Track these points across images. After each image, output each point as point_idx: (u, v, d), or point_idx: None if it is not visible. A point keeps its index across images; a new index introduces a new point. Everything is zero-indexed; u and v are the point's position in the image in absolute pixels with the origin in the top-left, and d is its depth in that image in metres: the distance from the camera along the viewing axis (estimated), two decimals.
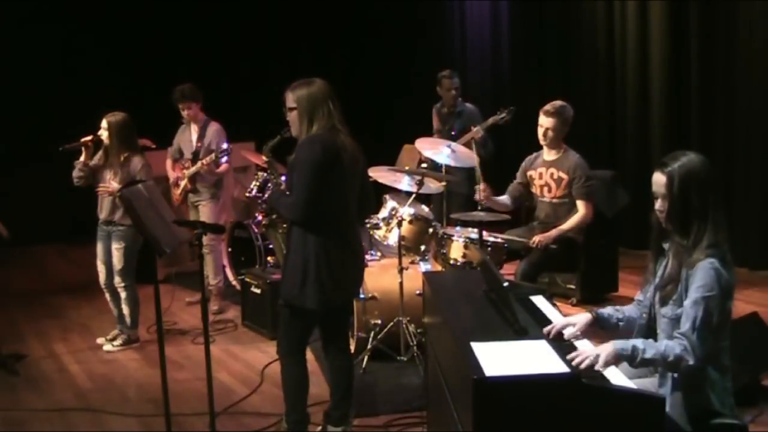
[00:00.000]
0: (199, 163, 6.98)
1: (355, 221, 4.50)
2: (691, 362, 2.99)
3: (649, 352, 3.02)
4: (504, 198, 6.16)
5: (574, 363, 2.94)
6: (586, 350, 3.04)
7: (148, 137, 6.95)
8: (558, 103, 5.94)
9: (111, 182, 6.12)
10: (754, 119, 7.77)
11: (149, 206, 4.43)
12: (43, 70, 10.23)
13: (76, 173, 6.24)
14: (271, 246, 7.19)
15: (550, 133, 5.92)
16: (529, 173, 6.13)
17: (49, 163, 7.03)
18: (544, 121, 5.92)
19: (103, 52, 10.43)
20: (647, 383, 3.19)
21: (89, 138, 6.19)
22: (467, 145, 6.76)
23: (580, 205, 5.88)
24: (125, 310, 6.40)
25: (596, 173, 6.36)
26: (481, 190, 5.85)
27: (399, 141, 8.70)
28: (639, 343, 3.05)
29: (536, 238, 5.77)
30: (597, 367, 2.96)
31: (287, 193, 4.26)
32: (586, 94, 9.33)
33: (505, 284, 3.29)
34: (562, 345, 3.14)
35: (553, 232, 5.81)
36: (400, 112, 10.34)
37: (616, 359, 3.02)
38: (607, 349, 3.02)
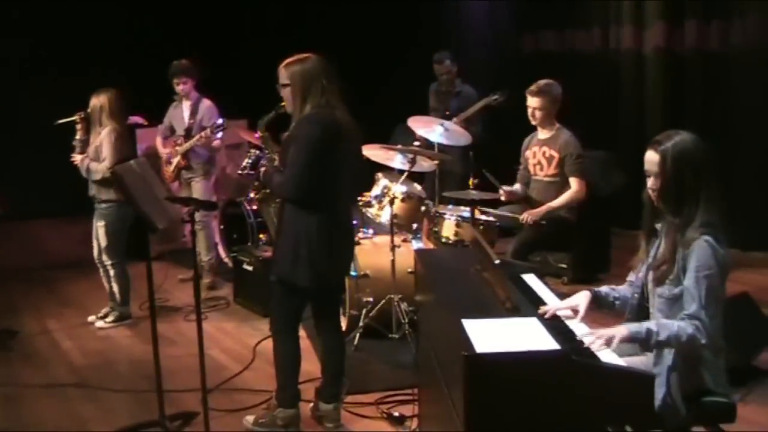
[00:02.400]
0: (193, 139, 6.96)
1: (349, 200, 4.50)
2: (703, 341, 3.01)
3: (663, 334, 3.03)
4: (517, 187, 6.18)
5: (587, 344, 2.96)
6: (601, 331, 3.05)
7: (140, 114, 6.93)
8: (543, 81, 5.94)
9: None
10: (749, 100, 7.78)
11: (141, 183, 4.43)
12: (39, 45, 10.18)
13: (76, 150, 6.28)
14: (260, 220, 7.18)
15: (537, 113, 5.93)
16: (525, 154, 6.15)
17: (47, 138, 6.99)
18: (531, 102, 5.93)
19: (98, 27, 10.35)
20: (637, 361, 3.20)
21: (78, 115, 6.21)
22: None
23: (572, 181, 5.90)
24: (114, 287, 6.42)
25: (592, 153, 6.36)
26: (503, 193, 5.99)
27: (393, 119, 8.68)
28: (653, 325, 3.06)
29: (525, 215, 5.79)
30: (610, 349, 2.97)
31: (281, 170, 4.26)
32: (582, 75, 9.31)
33: (497, 262, 3.30)
34: (553, 323, 3.14)
35: (543, 209, 5.83)
36: (396, 91, 10.30)
37: (630, 342, 3.05)
38: (621, 331, 3.03)
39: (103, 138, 6.05)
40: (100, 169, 6.01)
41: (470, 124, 7.37)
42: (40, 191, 9.99)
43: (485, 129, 7.77)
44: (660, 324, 3.08)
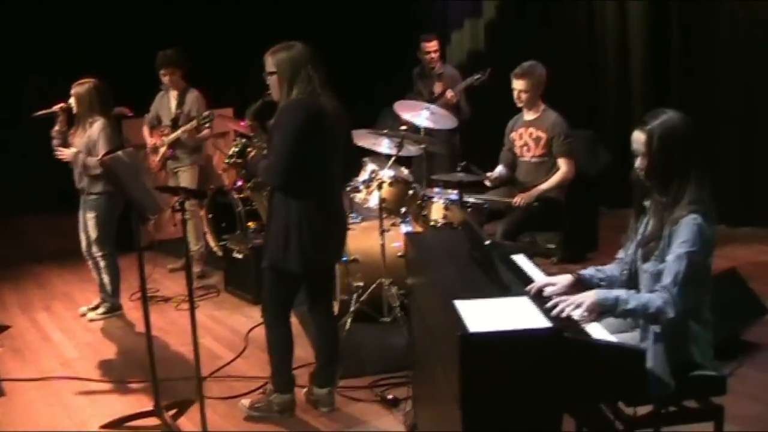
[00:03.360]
0: (180, 130, 6.95)
1: (338, 185, 4.52)
2: (671, 315, 3.04)
3: (632, 303, 3.07)
4: (500, 169, 6.21)
5: (555, 311, 3.02)
6: (568, 298, 3.10)
7: (126, 105, 6.91)
8: (526, 63, 5.96)
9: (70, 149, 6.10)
10: (733, 77, 7.82)
11: (131, 173, 4.42)
12: (21, 38, 10.10)
13: (54, 142, 6.18)
14: (248, 208, 7.16)
15: (523, 95, 5.95)
16: (510, 136, 6.17)
17: (30, 132, 6.94)
18: (516, 84, 5.94)
19: (82, 18, 10.27)
20: (628, 338, 3.24)
21: (59, 106, 6.11)
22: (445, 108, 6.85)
23: (561, 162, 5.92)
24: (105, 278, 6.40)
25: (577, 132, 6.38)
26: (488, 179, 6.06)
27: (377, 104, 8.68)
28: (622, 293, 3.11)
29: (517, 198, 5.81)
30: (578, 314, 3.02)
31: (267, 157, 4.27)
32: (566, 55, 9.34)
33: (487, 243, 3.32)
34: (545, 301, 3.17)
35: (534, 191, 5.86)
36: (378, 75, 10.30)
37: (597, 307, 3.08)
38: (590, 297, 3.08)
39: (98, 133, 5.99)
40: (97, 163, 5.94)
41: (456, 108, 7.43)
42: (21, 186, 9.91)
43: (471, 107, 7.82)
44: (630, 293, 3.13)
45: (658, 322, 3.11)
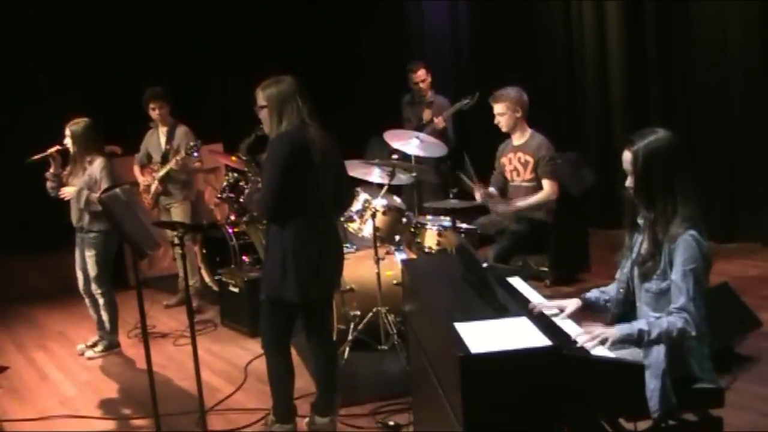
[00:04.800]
0: (170, 163, 7.00)
1: (332, 213, 4.57)
2: (693, 333, 3.11)
3: (654, 332, 3.12)
4: (492, 191, 6.26)
5: (581, 341, 3.07)
6: (595, 332, 3.15)
7: (115, 144, 6.96)
8: (504, 88, 6.05)
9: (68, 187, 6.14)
10: (711, 94, 7.92)
11: (128, 209, 4.47)
12: (7, 79, 10.11)
13: (49, 184, 6.22)
14: (242, 242, 7.20)
15: (501, 119, 6.05)
16: (501, 160, 6.25)
17: (13, 174, 6.94)
18: (495, 108, 6.05)
19: (69, 60, 10.30)
20: (626, 353, 3.29)
21: (55, 149, 6.15)
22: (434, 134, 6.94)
23: (545, 183, 6.00)
24: (104, 315, 6.41)
25: (561, 154, 6.47)
26: (479, 192, 6.08)
27: (364, 134, 8.76)
28: (643, 325, 3.16)
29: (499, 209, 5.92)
30: (605, 348, 3.08)
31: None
32: (546, 78, 9.46)
33: (485, 265, 3.38)
34: (543, 320, 3.23)
35: (511, 208, 5.95)
36: (365, 104, 10.39)
37: (622, 343, 3.15)
38: (614, 334, 3.14)
39: (99, 170, 6.04)
40: None
41: (443, 134, 7.52)
42: (10, 226, 9.88)
43: (456, 134, 7.89)
44: (650, 323, 3.17)
45: (682, 342, 3.17)
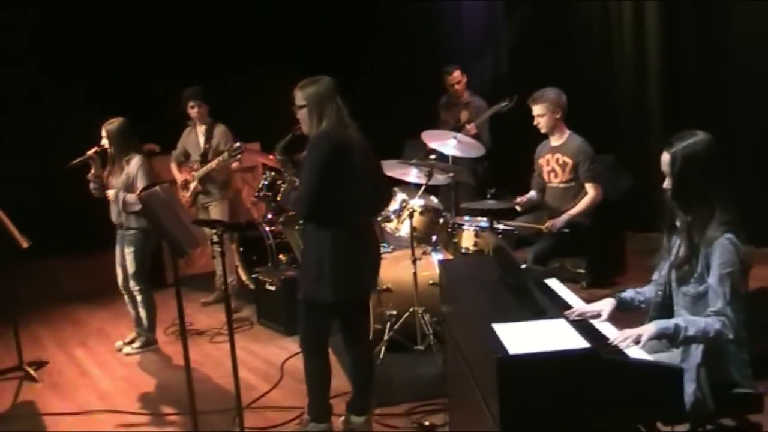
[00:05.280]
0: (211, 163, 7.05)
1: (369, 214, 4.58)
2: (731, 336, 3.09)
3: (691, 329, 3.10)
4: (532, 194, 6.27)
5: (616, 343, 3.04)
6: (628, 331, 3.12)
7: (153, 143, 7.02)
8: (542, 90, 6.03)
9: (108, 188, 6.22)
10: (751, 96, 7.82)
11: (168, 208, 4.51)
12: (43, 79, 10.25)
13: (91, 185, 6.32)
14: (279, 241, 7.23)
15: (541, 120, 6.03)
16: (539, 162, 6.23)
17: (47, 174, 6.98)
18: (534, 110, 6.03)
19: (106, 57, 10.41)
20: (663, 357, 3.27)
21: (93, 150, 6.23)
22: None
23: (589, 187, 5.98)
24: (142, 313, 6.48)
25: (598, 158, 6.44)
26: (517, 202, 6.12)
27: (400, 135, 8.77)
28: (680, 321, 3.14)
29: (548, 223, 5.86)
30: (639, 347, 3.05)
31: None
32: (583, 80, 9.40)
33: (523, 267, 3.37)
34: (581, 323, 3.22)
35: (565, 216, 5.91)
36: (401, 107, 10.39)
37: (658, 337, 3.12)
38: (650, 329, 3.10)
39: (136, 169, 6.12)
40: (137, 200, 6.02)
41: (480, 133, 7.53)
42: (46, 228, 9.97)
43: (493, 137, 7.89)
44: (688, 320, 3.15)
45: (718, 345, 3.14)
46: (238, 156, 6.91)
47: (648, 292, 3.58)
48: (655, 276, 3.57)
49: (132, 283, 6.37)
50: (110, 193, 6.17)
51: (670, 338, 3.12)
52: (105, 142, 6.21)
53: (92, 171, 6.30)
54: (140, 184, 5.98)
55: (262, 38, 11.36)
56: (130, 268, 6.32)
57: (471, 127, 7.59)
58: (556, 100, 6.00)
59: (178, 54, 10.54)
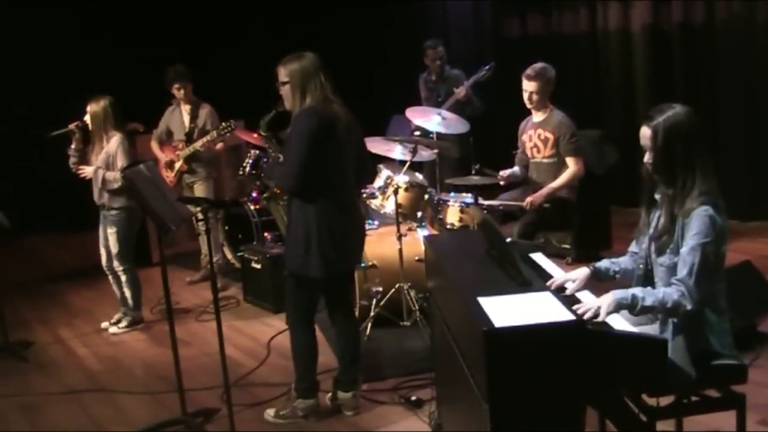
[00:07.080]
0: (199, 142, 7.00)
1: (354, 190, 4.59)
2: (689, 307, 3.09)
3: (648, 299, 3.11)
4: (515, 170, 6.27)
5: (577, 313, 3.05)
6: (589, 302, 3.14)
7: (137, 121, 6.98)
8: (538, 65, 6.01)
9: (89, 165, 6.20)
10: (736, 71, 7.87)
11: (152, 185, 4.51)
12: (30, 57, 10.14)
13: (71, 160, 6.30)
14: (264, 219, 7.21)
15: (534, 96, 6.01)
16: (522, 138, 6.23)
17: (37, 152, 6.97)
18: (527, 85, 6.00)
19: (89, 34, 10.30)
20: (649, 329, 3.30)
21: (74, 124, 6.22)
22: (453, 108, 6.94)
23: (569, 161, 5.98)
24: (127, 292, 6.47)
25: (584, 132, 6.45)
26: (501, 177, 6.11)
27: (383, 112, 8.75)
28: (638, 291, 3.15)
29: (528, 199, 5.87)
30: (600, 318, 3.06)
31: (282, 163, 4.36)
32: (570, 55, 9.40)
33: (508, 240, 3.38)
34: (566, 296, 3.23)
35: (545, 191, 5.91)
36: (383, 83, 10.37)
37: (616, 308, 3.12)
38: (608, 299, 3.11)
39: (115, 147, 6.10)
40: (117, 177, 6.01)
41: (468, 103, 7.52)
42: (33, 205, 9.92)
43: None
44: (646, 290, 3.17)
45: (676, 315, 3.16)
46: (227, 134, 6.88)
47: (624, 262, 3.59)
48: (633, 247, 3.58)
49: (116, 264, 6.36)
50: (89, 170, 6.15)
51: (627, 308, 3.13)
52: (87, 118, 6.18)
53: (73, 145, 6.28)
54: (120, 163, 6.00)
55: (246, 14, 11.28)
56: (113, 248, 6.31)
57: (460, 90, 7.54)
58: (550, 78, 6.00)
59: (164, 28, 10.45)
